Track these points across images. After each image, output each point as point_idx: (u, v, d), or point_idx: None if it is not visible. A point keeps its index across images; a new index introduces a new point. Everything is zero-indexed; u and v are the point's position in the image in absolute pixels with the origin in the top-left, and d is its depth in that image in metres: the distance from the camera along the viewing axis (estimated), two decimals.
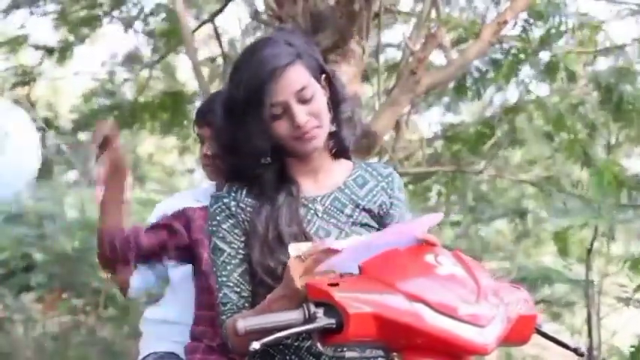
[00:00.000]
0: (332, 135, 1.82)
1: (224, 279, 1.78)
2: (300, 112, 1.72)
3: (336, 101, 1.81)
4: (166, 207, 2.49)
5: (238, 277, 1.77)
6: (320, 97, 1.76)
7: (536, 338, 1.70)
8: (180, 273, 2.48)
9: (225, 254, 1.79)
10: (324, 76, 1.80)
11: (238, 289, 1.77)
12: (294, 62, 1.71)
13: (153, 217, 2.50)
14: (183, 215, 2.36)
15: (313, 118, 1.73)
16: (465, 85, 5.67)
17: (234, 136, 1.75)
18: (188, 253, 2.36)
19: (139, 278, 2.67)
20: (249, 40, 6.49)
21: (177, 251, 2.34)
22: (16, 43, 6.76)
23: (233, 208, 1.80)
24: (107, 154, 2.35)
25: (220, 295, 1.78)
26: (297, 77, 1.71)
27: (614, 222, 5.24)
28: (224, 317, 1.77)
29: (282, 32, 1.85)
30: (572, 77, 5.51)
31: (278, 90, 1.69)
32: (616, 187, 4.97)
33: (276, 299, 1.62)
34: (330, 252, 1.54)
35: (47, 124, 6.74)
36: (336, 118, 1.81)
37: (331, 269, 1.55)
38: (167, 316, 2.54)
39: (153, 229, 2.35)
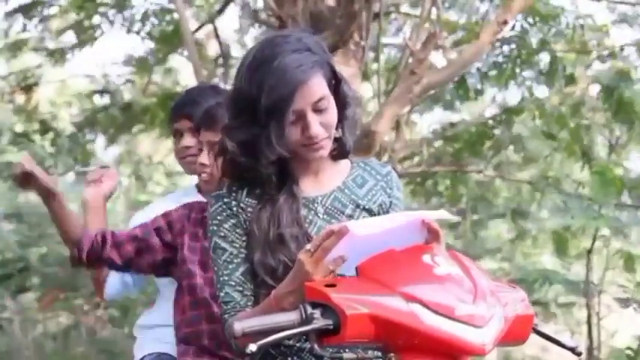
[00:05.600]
0: (335, 139, 1.82)
1: (226, 278, 1.78)
2: (315, 123, 1.73)
3: (342, 106, 1.81)
4: (146, 216, 2.39)
5: (240, 276, 1.77)
6: (333, 108, 1.76)
7: (536, 338, 1.70)
8: (165, 278, 2.44)
9: (227, 253, 1.78)
10: (334, 81, 1.80)
11: (241, 288, 1.77)
12: (317, 73, 1.72)
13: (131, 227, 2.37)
14: (162, 221, 2.25)
15: (324, 129, 1.75)
16: (466, 83, 5.67)
17: (254, 136, 1.74)
18: (162, 267, 2.26)
19: (116, 280, 2.58)
20: (248, 40, 6.52)
21: (147, 267, 2.25)
22: (16, 47, 6.75)
23: (234, 208, 1.80)
24: (34, 188, 2.26)
25: (222, 294, 1.78)
26: (318, 88, 1.72)
27: (616, 222, 5.23)
28: (226, 316, 1.76)
29: (297, 32, 1.82)
30: (571, 80, 5.51)
31: (298, 99, 1.70)
32: (617, 187, 4.95)
33: (284, 295, 1.62)
34: (341, 233, 1.54)
35: (47, 126, 6.73)
36: (340, 123, 1.81)
37: (341, 256, 1.55)
38: (160, 320, 2.52)
39: (118, 244, 2.22)
